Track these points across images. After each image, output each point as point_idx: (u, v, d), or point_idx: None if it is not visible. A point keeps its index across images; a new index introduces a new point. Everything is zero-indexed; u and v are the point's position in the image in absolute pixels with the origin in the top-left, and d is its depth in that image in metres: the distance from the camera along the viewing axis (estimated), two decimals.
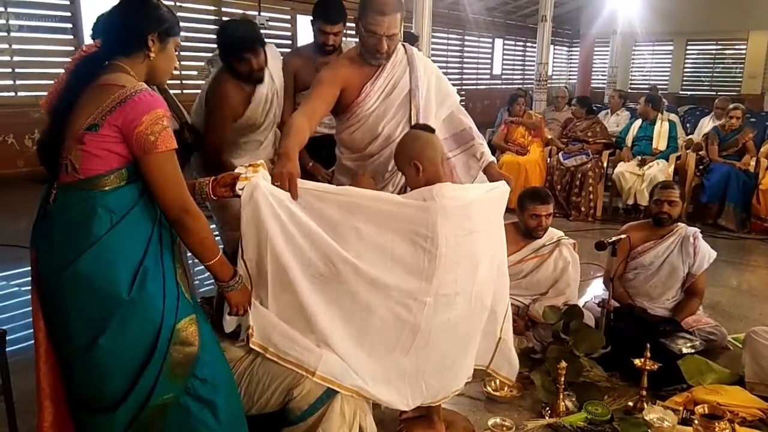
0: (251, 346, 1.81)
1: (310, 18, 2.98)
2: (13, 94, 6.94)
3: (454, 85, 2.52)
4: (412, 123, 2.28)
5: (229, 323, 1.88)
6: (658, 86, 13.04)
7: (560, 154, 6.17)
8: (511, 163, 6.21)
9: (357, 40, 2.35)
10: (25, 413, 2.23)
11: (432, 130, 2.12)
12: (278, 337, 1.83)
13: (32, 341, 1.64)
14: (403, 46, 2.34)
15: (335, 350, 1.88)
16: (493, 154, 6.70)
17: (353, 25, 2.24)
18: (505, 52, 15.87)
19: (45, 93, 1.64)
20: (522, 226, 3.14)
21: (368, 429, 1.95)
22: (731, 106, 5.87)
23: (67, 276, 1.51)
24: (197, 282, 3.50)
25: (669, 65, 15.74)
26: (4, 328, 2.19)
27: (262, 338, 1.82)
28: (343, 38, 3.10)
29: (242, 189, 1.75)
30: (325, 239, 1.85)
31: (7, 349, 2.17)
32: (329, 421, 1.82)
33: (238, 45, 2.57)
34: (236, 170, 1.81)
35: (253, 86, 2.68)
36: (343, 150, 2.43)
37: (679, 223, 3.28)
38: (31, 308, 1.64)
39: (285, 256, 1.80)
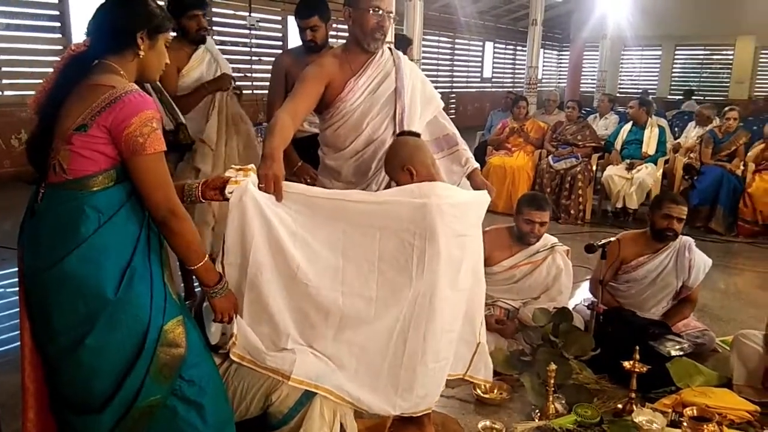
0: (232, 357, 1.80)
1: None
2: None
3: (444, 87, 2.56)
4: (397, 121, 2.29)
5: (214, 334, 1.85)
6: (648, 91, 13.15)
7: (550, 157, 6.20)
8: (498, 167, 6.26)
9: (343, 41, 2.36)
10: (9, 415, 2.21)
11: (418, 135, 2.13)
12: (252, 345, 1.81)
13: (17, 343, 1.63)
14: (389, 49, 2.36)
15: (322, 358, 1.87)
16: (485, 154, 6.72)
17: (341, 26, 2.24)
18: (495, 55, 15.94)
19: (32, 93, 1.62)
20: (516, 231, 3.14)
21: (349, 428, 1.94)
22: (727, 108, 5.92)
23: (53, 275, 1.50)
24: None
25: (657, 70, 15.86)
26: None
27: (241, 347, 1.80)
28: (333, 40, 3.11)
29: (231, 192, 1.75)
30: (313, 246, 1.84)
31: None
32: (309, 422, 1.82)
33: (190, 3, 2.92)
34: (226, 173, 1.81)
35: (193, 46, 3.02)
36: (326, 150, 2.43)
37: None
38: (16, 309, 1.62)
39: (267, 260, 1.79)
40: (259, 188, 1.79)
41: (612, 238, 3.12)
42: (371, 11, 2.16)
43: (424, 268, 1.90)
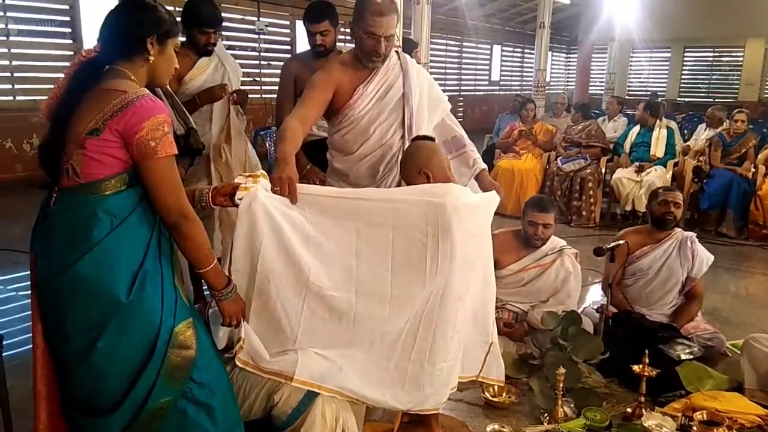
0: (237, 362, 1.80)
1: None
2: (11, 98, 6.94)
3: (452, 91, 2.57)
4: (405, 126, 2.30)
5: (222, 339, 1.85)
6: (657, 93, 13.09)
7: (558, 159, 6.19)
8: (506, 170, 6.25)
9: (352, 45, 2.37)
10: (21, 417, 2.23)
11: (432, 140, 2.14)
12: (255, 350, 1.82)
13: (29, 346, 1.64)
14: (396, 52, 2.38)
15: (326, 357, 1.88)
16: (493, 157, 6.70)
17: (349, 29, 2.26)
18: (503, 58, 15.93)
19: (44, 97, 1.64)
20: (523, 234, 3.15)
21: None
22: (736, 110, 5.89)
23: (66, 279, 1.51)
24: None
25: (666, 72, 15.79)
26: (0, 332, 2.18)
27: (246, 353, 1.81)
28: (342, 44, 3.13)
29: (241, 199, 1.76)
30: (327, 248, 1.85)
31: (3, 354, 2.16)
32: (311, 424, 1.82)
33: (204, 21, 2.96)
34: (236, 180, 1.82)
35: (198, 56, 3.06)
36: (334, 153, 2.45)
37: (675, 228, 3.29)
38: (28, 312, 1.64)
39: (276, 267, 1.79)
40: (273, 191, 1.81)
41: (621, 241, 3.12)
42: (366, 36, 2.18)
43: (437, 268, 1.90)
